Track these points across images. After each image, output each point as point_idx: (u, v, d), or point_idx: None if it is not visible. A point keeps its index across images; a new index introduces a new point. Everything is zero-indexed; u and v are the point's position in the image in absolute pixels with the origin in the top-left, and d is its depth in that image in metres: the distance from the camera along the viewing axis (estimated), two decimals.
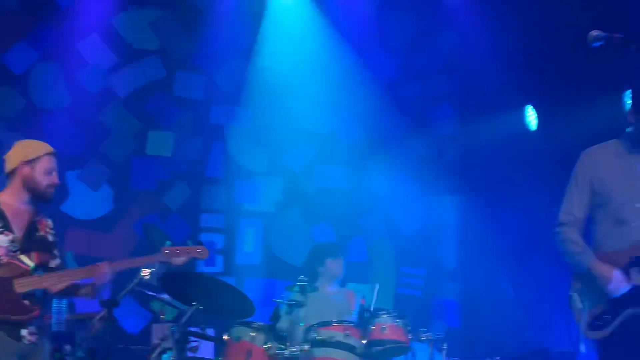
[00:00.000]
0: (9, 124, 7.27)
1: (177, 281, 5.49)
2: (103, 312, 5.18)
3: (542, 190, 7.20)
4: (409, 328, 5.52)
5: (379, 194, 7.90)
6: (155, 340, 5.74)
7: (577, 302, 4.14)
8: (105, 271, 4.35)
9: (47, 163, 4.49)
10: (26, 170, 4.42)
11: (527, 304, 7.01)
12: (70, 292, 4.49)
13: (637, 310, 3.92)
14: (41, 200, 4.50)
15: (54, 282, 4.35)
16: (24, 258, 4.30)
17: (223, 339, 5.36)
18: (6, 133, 7.18)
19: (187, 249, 4.64)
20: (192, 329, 5.55)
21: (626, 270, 3.96)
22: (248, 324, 5.34)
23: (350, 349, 5.27)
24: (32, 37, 7.42)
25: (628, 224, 4.01)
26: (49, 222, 4.56)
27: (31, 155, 4.48)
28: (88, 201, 7.41)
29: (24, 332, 4.22)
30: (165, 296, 5.54)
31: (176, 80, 7.73)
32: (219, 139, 7.77)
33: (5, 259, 4.24)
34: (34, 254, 4.33)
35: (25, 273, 4.26)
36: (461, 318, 7.79)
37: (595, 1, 6.73)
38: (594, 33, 3.63)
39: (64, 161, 7.29)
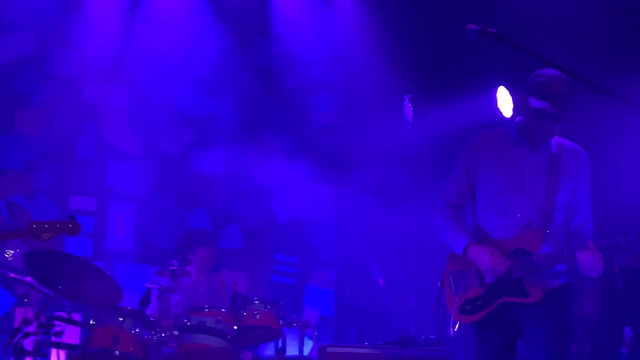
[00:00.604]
0: None
1: (43, 263, 5.37)
2: None
3: (417, 181, 7.40)
4: (280, 314, 5.59)
5: (256, 181, 7.90)
6: (18, 325, 5.59)
7: (451, 284, 4.14)
8: None
9: None
10: None
11: (399, 292, 7.18)
12: None
13: (509, 300, 3.94)
14: None
15: None
16: None
17: (90, 324, 5.27)
18: None
19: (57, 224, 4.46)
20: (58, 313, 5.45)
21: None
22: (116, 309, 5.29)
23: (221, 334, 5.31)
24: None
25: (511, 214, 4.02)
26: None
27: None
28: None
29: None
30: (30, 279, 5.39)
31: (48, 57, 7.51)
32: (92, 119, 7.60)
33: None
34: None
35: None
36: (334, 306, 7.89)
37: None
38: (469, 27, 3.71)
39: None
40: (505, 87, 7.04)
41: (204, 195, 7.81)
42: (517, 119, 4.13)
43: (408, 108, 7.47)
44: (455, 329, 4.12)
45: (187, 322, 5.30)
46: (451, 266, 4.16)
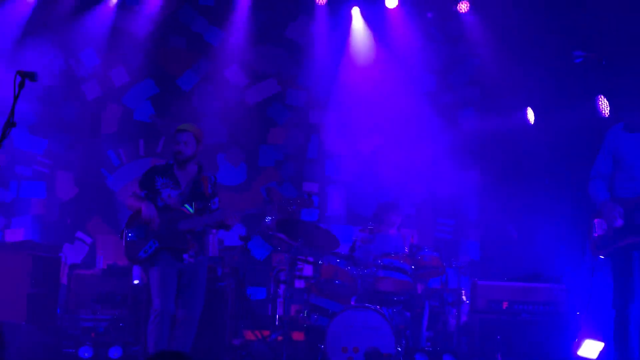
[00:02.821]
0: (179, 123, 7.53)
1: (289, 225, 5.62)
2: (242, 245, 5.35)
3: (535, 167, 7.01)
4: (443, 258, 5.51)
5: (423, 169, 7.77)
6: (274, 264, 5.86)
7: (594, 228, 4.02)
8: (236, 214, 4.37)
9: (176, 137, 4.40)
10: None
11: (526, 243, 6.84)
12: (218, 227, 4.50)
13: (634, 239, 3.80)
14: (177, 163, 4.38)
15: (206, 223, 4.35)
16: (187, 206, 4.34)
17: (319, 263, 5.43)
18: None
19: (298, 200, 4.60)
20: (299, 256, 5.66)
21: (633, 212, 3.80)
22: (335, 254, 5.43)
23: (403, 271, 5.30)
24: (195, 67, 7.63)
25: (637, 180, 3.88)
26: (211, 179, 4.49)
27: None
28: (231, 173, 7.57)
29: (185, 255, 4.28)
30: (282, 235, 5.65)
31: (287, 94, 7.77)
32: (315, 132, 7.78)
33: (175, 207, 4.31)
34: (194, 203, 4.35)
35: (187, 217, 4.31)
36: (480, 253, 7.63)
37: (580, 27, 6.42)
38: (576, 53, 3.49)
39: (215, 147, 7.57)
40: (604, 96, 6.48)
41: (388, 180, 7.71)
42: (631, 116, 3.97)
43: (530, 114, 7.04)
44: (591, 258, 4.03)
45: (381, 263, 5.31)
46: (596, 216, 4.01)
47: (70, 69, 7.42)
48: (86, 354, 4.88)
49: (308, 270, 6.02)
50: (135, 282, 5.58)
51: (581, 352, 5.11)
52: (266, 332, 5.50)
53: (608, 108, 6.43)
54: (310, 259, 5.90)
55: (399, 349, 4.81)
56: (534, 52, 7.01)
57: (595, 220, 4.01)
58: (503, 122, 7.42)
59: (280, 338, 5.33)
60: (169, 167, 4.44)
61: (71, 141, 7.30)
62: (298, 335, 5.55)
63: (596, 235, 3.96)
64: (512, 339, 4.86)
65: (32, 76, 3.17)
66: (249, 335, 5.42)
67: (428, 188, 7.80)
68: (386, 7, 7.53)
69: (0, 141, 3.06)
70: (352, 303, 5.25)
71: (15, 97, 3.09)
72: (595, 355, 4.95)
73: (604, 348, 4.82)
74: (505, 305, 5.05)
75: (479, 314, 5.06)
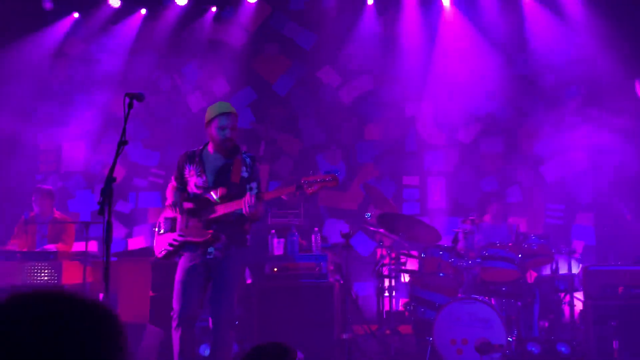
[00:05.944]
0: (279, 127, 7.91)
1: (389, 219, 5.76)
2: (345, 242, 5.57)
3: None
4: (551, 245, 5.42)
5: (528, 153, 7.62)
6: (378, 258, 6.03)
7: None
8: (249, 201, 3.80)
9: (219, 122, 3.94)
10: (208, 129, 4.02)
11: None
12: (245, 218, 3.96)
13: None
14: (223, 152, 4.00)
15: (227, 212, 3.89)
16: (212, 193, 3.94)
17: (422, 257, 5.52)
18: (278, 133, 7.81)
19: (319, 178, 3.91)
20: (402, 250, 5.81)
21: None
22: (438, 246, 5.49)
23: (510, 260, 5.28)
24: (289, 71, 7.96)
25: None
26: (247, 161, 4.02)
27: (207, 118, 4.02)
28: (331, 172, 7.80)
29: (210, 249, 3.93)
30: (382, 230, 5.81)
31: (381, 89, 7.88)
32: (412, 125, 7.85)
33: (199, 195, 3.98)
34: (219, 190, 3.93)
35: (210, 205, 3.92)
36: (595, 238, 7.34)
37: None
38: None
39: (314, 148, 7.85)
40: None
41: (490, 167, 7.66)
42: None
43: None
44: None
45: (485, 253, 5.33)
46: None
47: (175, 84, 8.04)
48: (206, 352, 5.28)
49: (412, 263, 6.13)
50: (249, 282, 5.94)
51: None
52: (374, 327, 5.69)
53: None
54: (414, 252, 6.03)
55: (510, 339, 4.80)
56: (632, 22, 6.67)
57: None
58: (608, 96, 7.09)
59: (388, 332, 5.51)
60: (198, 152, 4.08)
61: (181, 152, 7.87)
62: (405, 329, 5.68)
63: None
64: (629, 325, 4.69)
65: (139, 97, 3.37)
66: (358, 329, 5.63)
67: (534, 172, 7.60)
68: None
69: (115, 159, 3.23)
70: (459, 295, 5.29)
71: (126, 118, 3.29)
72: None
73: None
74: (620, 290, 4.87)
75: (593, 301, 4.92)
